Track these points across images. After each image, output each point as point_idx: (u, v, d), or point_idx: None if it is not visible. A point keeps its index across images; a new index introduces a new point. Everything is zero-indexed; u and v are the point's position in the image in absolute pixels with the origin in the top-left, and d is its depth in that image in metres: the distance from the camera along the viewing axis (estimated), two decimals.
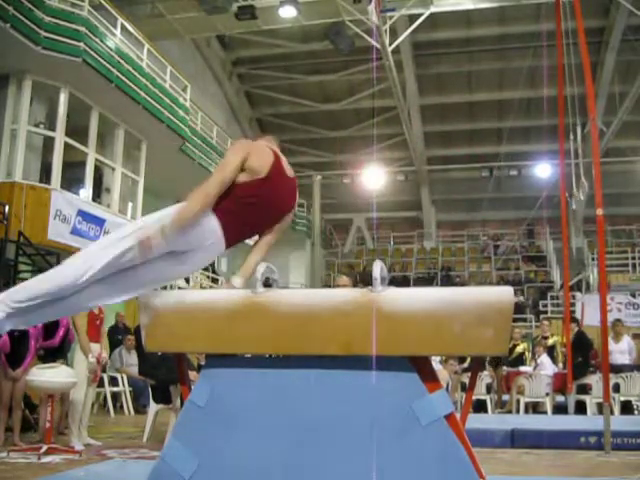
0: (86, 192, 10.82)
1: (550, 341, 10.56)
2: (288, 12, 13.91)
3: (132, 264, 2.51)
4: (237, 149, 2.68)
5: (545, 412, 9.13)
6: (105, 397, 9.56)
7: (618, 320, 10.12)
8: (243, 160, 2.62)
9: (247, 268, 2.76)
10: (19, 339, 6.11)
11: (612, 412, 7.30)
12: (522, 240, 22.23)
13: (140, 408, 9.58)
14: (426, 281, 20.11)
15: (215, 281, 16.74)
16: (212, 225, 2.58)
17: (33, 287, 2.52)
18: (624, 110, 16.95)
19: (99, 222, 10.71)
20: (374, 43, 14.02)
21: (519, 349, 10.22)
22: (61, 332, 6.43)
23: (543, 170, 20.04)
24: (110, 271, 2.50)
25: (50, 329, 6.42)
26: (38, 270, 9.22)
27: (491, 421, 7.57)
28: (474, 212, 22.45)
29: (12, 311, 2.46)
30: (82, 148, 10.59)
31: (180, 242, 2.55)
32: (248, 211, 2.65)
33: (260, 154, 2.67)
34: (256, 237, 2.89)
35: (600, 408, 7.08)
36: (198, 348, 3.10)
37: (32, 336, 6.22)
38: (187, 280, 14.79)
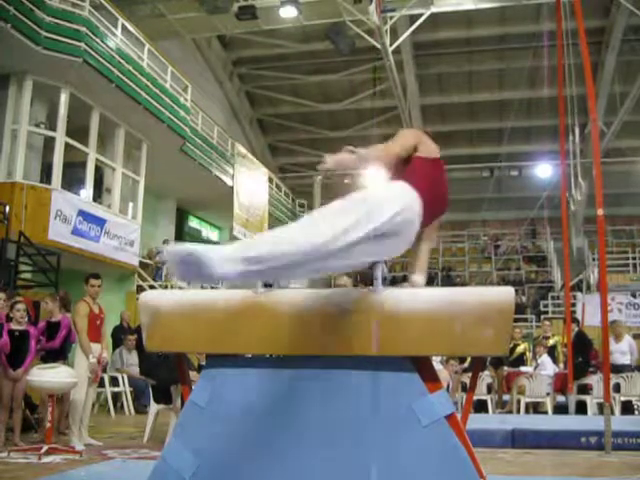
0: (87, 192, 10.81)
1: (551, 341, 10.56)
2: (289, 12, 13.91)
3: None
4: (409, 134, 2.82)
5: (546, 412, 9.13)
6: (106, 397, 9.55)
7: (614, 321, 10.03)
8: (416, 142, 2.73)
9: (422, 263, 2.81)
10: (20, 339, 6.12)
11: (612, 412, 7.30)
12: (523, 240, 22.22)
13: (141, 408, 9.58)
14: (426, 281, 20.07)
15: None
16: (417, 205, 2.51)
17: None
18: (625, 110, 16.94)
19: (100, 222, 10.70)
20: (375, 43, 14.03)
21: (520, 349, 10.21)
22: (62, 334, 6.40)
23: (544, 170, 20.04)
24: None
25: (51, 331, 6.41)
26: (39, 270, 9.24)
27: (492, 421, 7.57)
28: (474, 212, 22.43)
29: None
30: (83, 148, 10.59)
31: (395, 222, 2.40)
32: (432, 193, 2.61)
33: (429, 141, 2.82)
34: None
35: (601, 408, 7.07)
36: (199, 348, 3.10)
37: (32, 336, 6.22)
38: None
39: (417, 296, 2.40)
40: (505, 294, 2.31)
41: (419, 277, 2.73)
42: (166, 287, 12.91)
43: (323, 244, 2.16)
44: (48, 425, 5.45)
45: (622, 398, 9.03)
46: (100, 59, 10.04)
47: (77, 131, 10.41)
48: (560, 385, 9.19)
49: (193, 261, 2.04)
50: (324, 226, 2.22)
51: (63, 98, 10.06)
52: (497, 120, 20.49)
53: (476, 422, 5.97)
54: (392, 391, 2.33)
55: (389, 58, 14.75)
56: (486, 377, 9.71)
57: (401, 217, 2.37)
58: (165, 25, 14.32)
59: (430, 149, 2.76)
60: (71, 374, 5.71)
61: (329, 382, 2.41)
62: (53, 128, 10.13)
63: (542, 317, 15.83)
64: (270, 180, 18.64)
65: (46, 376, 5.49)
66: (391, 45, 14.49)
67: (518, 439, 6.21)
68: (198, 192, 15.38)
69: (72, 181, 10.86)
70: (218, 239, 20.14)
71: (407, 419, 2.28)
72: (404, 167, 2.66)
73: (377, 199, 2.39)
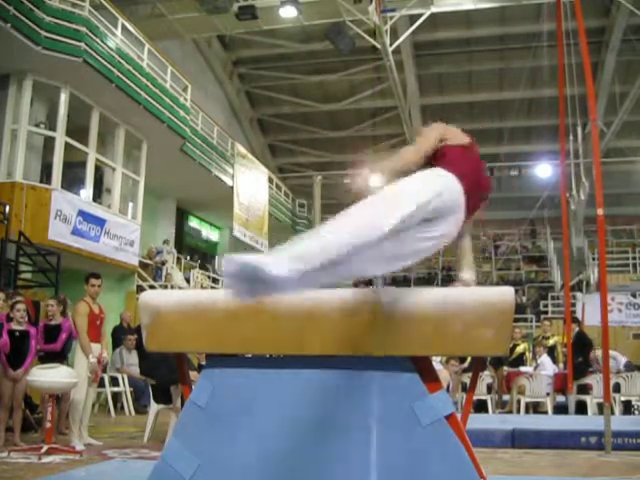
0: (86, 192, 10.81)
1: (550, 341, 10.55)
2: (289, 12, 13.91)
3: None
4: (433, 128, 2.75)
5: (546, 412, 9.12)
6: (106, 397, 9.55)
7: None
8: (440, 135, 2.69)
9: (469, 259, 2.75)
10: (20, 339, 6.11)
11: (613, 412, 7.30)
12: (523, 240, 22.22)
13: (141, 408, 9.58)
14: (427, 281, 20.09)
15: (215, 281, 16.74)
16: (456, 186, 2.45)
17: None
18: (624, 110, 16.95)
19: (100, 222, 10.70)
20: (375, 43, 14.03)
21: (519, 349, 10.20)
22: (63, 336, 6.36)
23: (544, 170, 20.03)
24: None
25: (52, 333, 6.40)
26: (39, 270, 9.24)
27: (492, 421, 7.56)
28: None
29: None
30: (82, 148, 10.59)
31: (435, 204, 2.30)
32: (468, 179, 2.51)
33: (456, 131, 2.80)
34: None
35: (601, 408, 7.08)
36: (199, 348, 3.10)
37: (33, 336, 6.22)
38: (187, 280, 14.80)
39: (417, 296, 2.40)
40: (505, 294, 2.30)
41: (469, 274, 2.65)
42: (166, 287, 12.92)
43: (372, 226, 2.05)
44: (48, 425, 5.45)
45: (622, 398, 9.04)
46: (100, 59, 10.04)
47: (77, 131, 10.41)
48: (560, 385, 9.19)
49: (250, 271, 1.86)
50: (368, 211, 2.12)
51: (63, 98, 10.06)
52: (497, 120, 20.49)
53: (476, 422, 5.97)
54: (392, 391, 2.32)
55: (389, 58, 14.76)
56: (486, 377, 9.71)
57: (442, 199, 2.33)
58: (165, 25, 14.33)
59: (458, 137, 2.74)
60: (71, 374, 5.71)
61: (329, 382, 2.41)
62: (53, 128, 10.13)
63: (542, 317, 15.83)
64: (270, 180, 18.64)
65: (46, 376, 5.48)
66: (391, 45, 14.49)
67: (518, 439, 6.21)
68: (198, 192, 15.38)
69: (72, 181, 10.86)
70: (218, 239, 20.14)
71: (407, 419, 2.28)
72: (435, 158, 2.63)
73: (412, 184, 2.33)
